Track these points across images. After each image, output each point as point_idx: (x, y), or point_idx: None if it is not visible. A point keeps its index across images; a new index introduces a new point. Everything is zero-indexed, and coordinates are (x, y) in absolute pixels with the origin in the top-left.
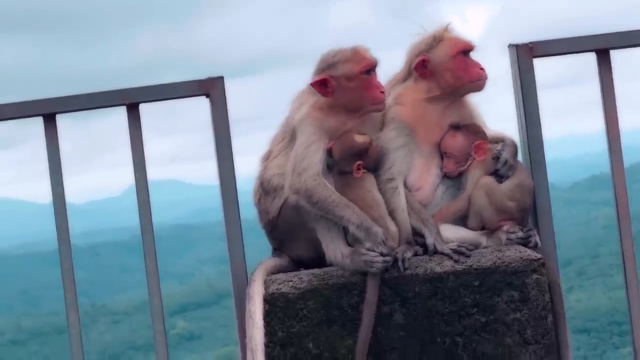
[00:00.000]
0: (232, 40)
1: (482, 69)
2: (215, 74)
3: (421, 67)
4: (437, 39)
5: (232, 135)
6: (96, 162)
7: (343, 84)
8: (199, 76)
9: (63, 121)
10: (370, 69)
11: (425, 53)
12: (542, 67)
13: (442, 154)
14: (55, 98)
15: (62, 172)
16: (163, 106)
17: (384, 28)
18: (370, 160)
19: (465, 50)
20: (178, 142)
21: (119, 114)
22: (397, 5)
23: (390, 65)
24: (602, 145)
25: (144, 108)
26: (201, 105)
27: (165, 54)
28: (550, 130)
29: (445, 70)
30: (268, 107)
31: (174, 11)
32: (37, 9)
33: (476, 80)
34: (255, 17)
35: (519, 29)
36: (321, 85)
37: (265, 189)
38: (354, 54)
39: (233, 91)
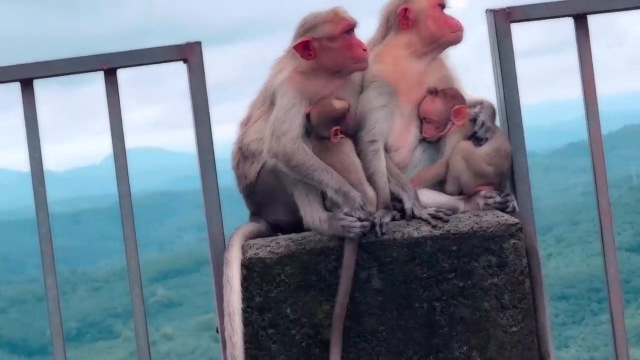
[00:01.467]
0: (218, 7)
1: (458, 21)
2: (201, 39)
3: (403, 16)
4: None
5: (210, 101)
6: (78, 129)
7: (325, 45)
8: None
9: (46, 88)
10: (351, 28)
11: (405, 4)
12: (522, 34)
13: (421, 119)
14: (32, 63)
15: (40, 139)
16: (145, 73)
17: None
18: (348, 126)
19: (442, 3)
20: (159, 110)
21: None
22: None
23: (374, 31)
24: (580, 112)
25: (124, 74)
26: (182, 72)
27: (152, 20)
28: (530, 97)
29: (426, 18)
30: (255, 73)
31: None
32: None
33: (456, 30)
34: None
35: None
36: (303, 47)
37: (244, 154)
38: (334, 15)
39: (219, 58)
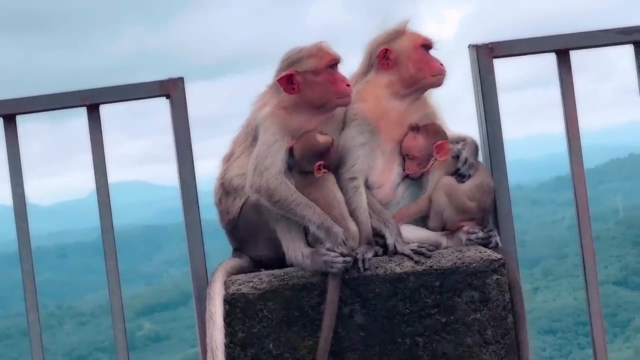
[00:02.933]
0: (210, 41)
1: (442, 64)
2: (192, 74)
3: (383, 56)
4: (399, 32)
5: (194, 136)
6: (64, 163)
7: (309, 79)
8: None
9: (32, 121)
10: (335, 63)
11: (387, 44)
12: (507, 68)
13: (404, 156)
14: (15, 99)
15: (23, 174)
16: (132, 107)
17: (360, 28)
18: (331, 160)
19: (427, 44)
20: (146, 143)
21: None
22: (373, 5)
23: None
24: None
25: (109, 108)
26: (167, 106)
27: (144, 55)
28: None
29: (407, 60)
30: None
31: (154, 12)
32: (14, 9)
33: (437, 74)
34: (235, 17)
35: (494, 29)
36: (287, 81)
37: (226, 189)
38: (318, 49)
39: (207, 92)
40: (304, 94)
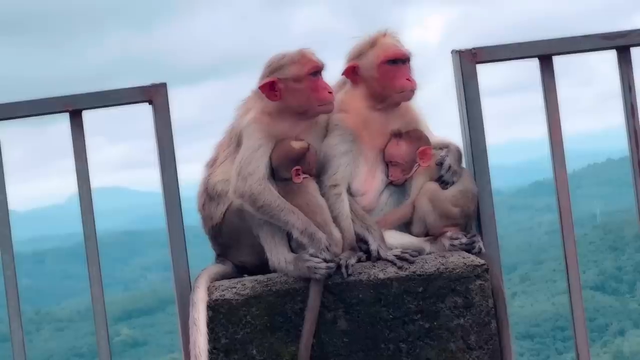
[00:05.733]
0: (196, 46)
1: (409, 79)
2: (176, 79)
3: (351, 73)
4: (368, 47)
5: (177, 141)
6: (42, 168)
7: (291, 86)
8: (160, 82)
9: (13, 127)
10: (317, 70)
11: (356, 59)
12: (488, 74)
13: (387, 163)
14: None
15: (5, 181)
16: (111, 113)
17: (347, 33)
18: (310, 166)
19: (396, 59)
20: (124, 149)
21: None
22: (360, 10)
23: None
24: (545, 151)
25: (88, 115)
26: (149, 111)
27: (128, 59)
28: (495, 136)
29: (372, 78)
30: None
31: (139, 16)
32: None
33: (400, 91)
34: (221, 22)
35: (481, 34)
36: (269, 88)
37: (209, 195)
38: (301, 56)
39: (193, 96)
40: (287, 100)
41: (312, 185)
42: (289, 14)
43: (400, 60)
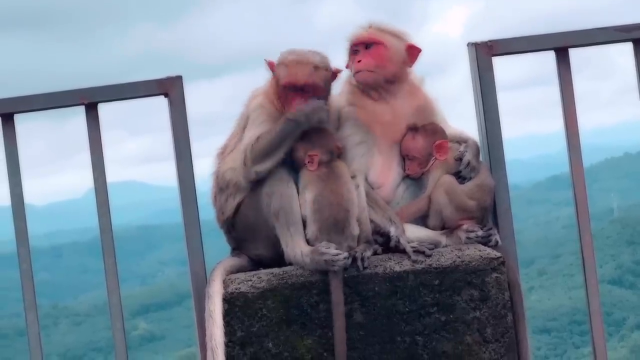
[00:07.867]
0: (219, 40)
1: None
2: (197, 73)
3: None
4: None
5: (193, 135)
6: (60, 163)
7: (275, 82)
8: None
9: (31, 121)
10: (291, 88)
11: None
12: (506, 67)
13: (404, 157)
14: (13, 98)
15: (21, 174)
16: (128, 106)
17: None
18: (327, 147)
19: (354, 48)
20: (144, 143)
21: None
22: (385, 3)
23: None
24: (562, 145)
25: (109, 109)
26: (165, 105)
27: (152, 53)
28: (513, 130)
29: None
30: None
31: (164, 9)
32: (17, 4)
33: (356, 72)
34: (244, 16)
35: (505, 26)
36: (272, 67)
37: (219, 185)
38: (291, 66)
39: (218, 91)
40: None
41: (344, 171)
42: (314, 8)
43: (359, 46)
